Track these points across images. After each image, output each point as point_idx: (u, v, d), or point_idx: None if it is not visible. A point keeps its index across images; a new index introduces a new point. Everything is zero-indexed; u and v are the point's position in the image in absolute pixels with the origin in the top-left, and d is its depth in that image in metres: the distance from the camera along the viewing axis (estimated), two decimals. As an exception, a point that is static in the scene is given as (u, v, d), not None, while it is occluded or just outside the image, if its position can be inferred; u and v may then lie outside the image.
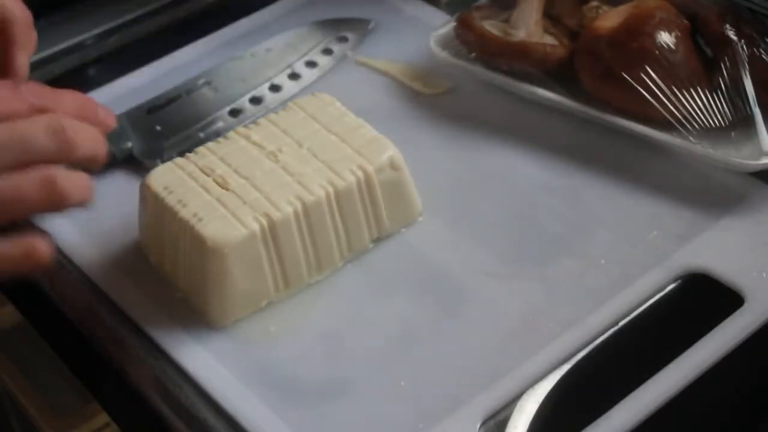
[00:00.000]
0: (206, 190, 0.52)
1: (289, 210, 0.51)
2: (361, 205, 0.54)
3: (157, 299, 0.53)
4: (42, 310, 0.56)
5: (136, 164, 0.62)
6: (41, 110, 0.45)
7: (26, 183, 0.44)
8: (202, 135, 0.64)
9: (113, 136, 0.63)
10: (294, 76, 0.69)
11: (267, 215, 0.51)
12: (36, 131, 0.44)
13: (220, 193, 0.52)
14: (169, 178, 0.53)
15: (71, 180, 0.45)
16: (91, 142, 0.46)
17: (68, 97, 0.47)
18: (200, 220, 0.50)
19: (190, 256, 0.51)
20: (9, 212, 0.44)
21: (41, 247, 0.45)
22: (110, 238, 0.57)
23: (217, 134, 0.61)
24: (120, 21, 0.75)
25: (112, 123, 0.49)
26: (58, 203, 0.45)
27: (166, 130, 0.64)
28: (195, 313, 0.52)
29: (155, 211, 0.53)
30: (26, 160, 0.44)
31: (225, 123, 0.65)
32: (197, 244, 0.50)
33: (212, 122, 0.65)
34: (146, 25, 0.76)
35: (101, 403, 0.51)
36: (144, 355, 0.51)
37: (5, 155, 0.43)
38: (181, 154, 0.55)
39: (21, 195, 0.44)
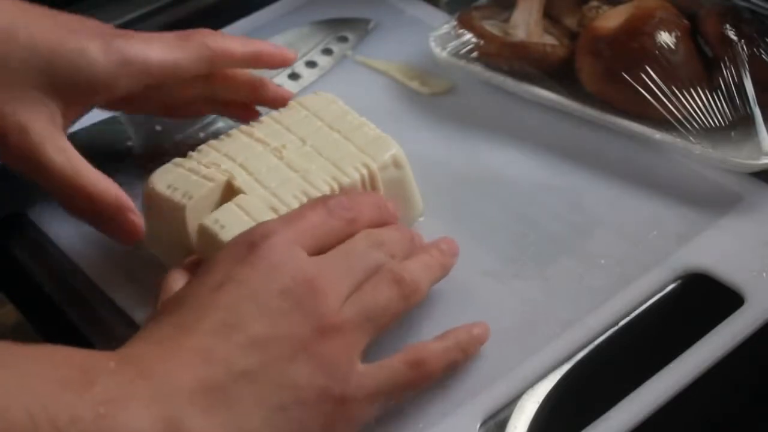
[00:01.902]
0: (210, 180, 0.52)
1: (296, 205, 0.51)
2: (365, 204, 0.54)
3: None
4: (42, 310, 0.56)
5: (136, 164, 0.62)
6: (351, 221, 0.47)
7: (384, 291, 0.46)
8: (202, 135, 0.64)
9: (113, 136, 0.63)
10: (294, 76, 0.69)
11: (274, 209, 0.51)
12: (363, 248, 0.47)
13: (224, 184, 0.52)
14: (171, 176, 0.53)
15: (414, 268, 0.48)
16: (400, 242, 0.49)
17: (366, 201, 0.50)
18: (219, 225, 0.50)
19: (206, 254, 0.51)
20: (381, 323, 0.45)
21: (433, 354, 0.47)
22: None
23: (217, 134, 0.61)
24: (120, 21, 0.75)
25: (397, 216, 0.51)
26: (411, 296, 0.47)
27: (166, 130, 0.64)
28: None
29: (162, 212, 0.53)
30: (367, 275, 0.46)
31: (225, 123, 0.65)
32: (215, 243, 0.50)
33: (212, 122, 0.65)
34: (146, 25, 0.76)
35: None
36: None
37: (357, 275, 0.45)
38: (182, 154, 0.55)
39: (385, 303, 0.45)
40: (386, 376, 0.44)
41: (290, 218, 0.47)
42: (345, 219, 0.47)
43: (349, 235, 0.47)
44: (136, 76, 0.52)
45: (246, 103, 0.61)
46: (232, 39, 0.56)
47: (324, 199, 0.48)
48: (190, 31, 0.55)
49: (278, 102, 0.59)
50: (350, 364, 0.43)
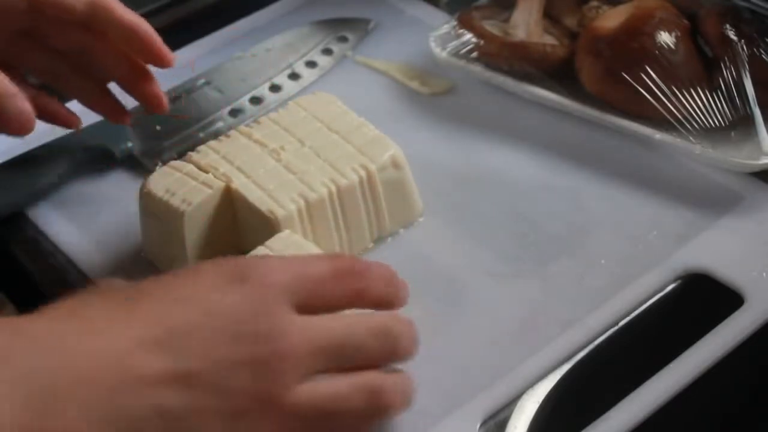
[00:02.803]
0: (209, 186, 0.52)
1: (293, 208, 0.51)
2: (363, 204, 0.54)
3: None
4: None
5: (136, 164, 0.62)
6: (356, 292, 0.43)
7: (354, 394, 0.41)
8: (202, 135, 0.64)
9: (113, 136, 0.63)
10: (294, 76, 0.69)
11: (271, 212, 0.51)
12: (361, 334, 0.41)
13: (222, 189, 0.52)
14: (169, 180, 0.53)
15: (395, 388, 0.42)
16: (409, 341, 0.44)
17: (378, 274, 0.44)
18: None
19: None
20: (332, 422, 0.40)
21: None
22: (110, 238, 0.57)
23: (217, 134, 0.61)
24: (120, 21, 0.75)
25: (406, 299, 0.46)
26: (381, 414, 0.42)
27: (166, 130, 0.64)
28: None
29: (159, 216, 0.53)
30: (350, 363, 0.41)
31: (225, 123, 0.65)
32: None
33: (212, 122, 0.65)
34: (146, 25, 0.76)
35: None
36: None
37: (337, 359, 0.41)
38: (181, 154, 0.55)
39: (348, 405, 0.41)
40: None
41: (293, 263, 0.42)
42: (351, 288, 0.43)
43: (348, 306, 0.43)
44: None
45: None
46: (123, 6, 0.54)
47: (334, 259, 0.44)
48: None
49: (159, 61, 0.56)
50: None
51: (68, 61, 0.58)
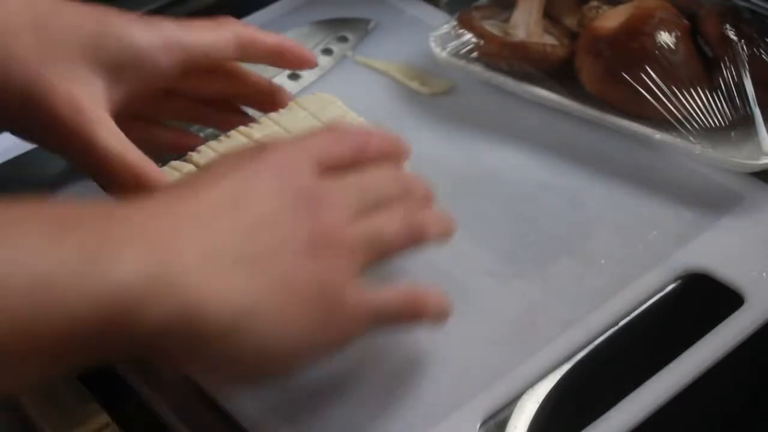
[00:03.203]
0: None
1: None
2: (362, 205, 0.54)
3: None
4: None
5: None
6: (360, 149, 0.45)
7: (393, 226, 0.44)
8: (202, 135, 0.64)
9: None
10: (294, 76, 0.69)
11: None
12: (381, 178, 0.45)
13: None
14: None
15: (429, 215, 0.46)
16: (419, 188, 0.47)
17: (377, 132, 0.48)
18: None
19: None
20: (383, 252, 0.44)
21: (432, 299, 0.45)
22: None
23: (217, 134, 0.61)
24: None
25: (410, 151, 0.49)
26: (418, 240, 0.45)
27: (166, 130, 0.64)
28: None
29: None
30: (377, 205, 0.44)
31: (225, 123, 0.65)
32: None
33: (212, 122, 0.65)
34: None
35: (101, 403, 0.51)
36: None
37: (367, 203, 0.43)
38: (181, 154, 0.55)
39: (391, 237, 0.44)
40: (385, 296, 0.44)
41: (298, 139, 0.45)
42: (354, 145, 0.45)
43: (357, 164, 0.45)
44: (176, 55, 0.52)
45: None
46: (259, 30, 0.56)
47: (330, 127, 0.47)
48: (219, 18, 0.55)
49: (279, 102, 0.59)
50: (349, 273, 0.42)
51: (208, 103, 0.59)
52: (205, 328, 0.37)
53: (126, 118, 0.52)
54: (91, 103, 0.49)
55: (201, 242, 0.38)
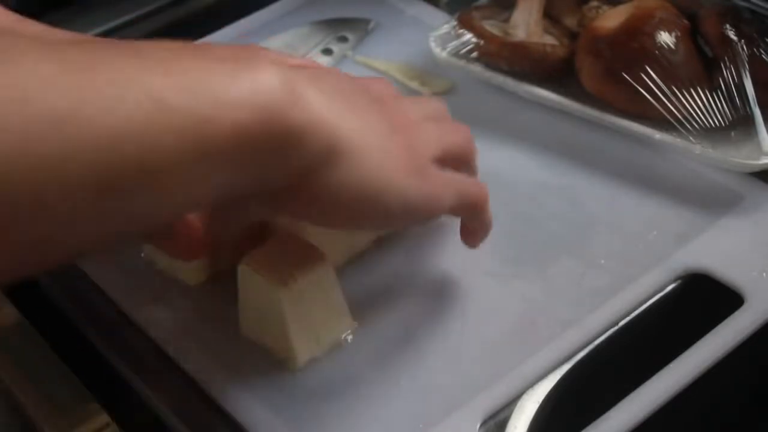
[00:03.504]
0: None
1: None
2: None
3: (159, 299, 0.53)
4: (42, 310, 0.56)
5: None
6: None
7: (459, 133, 0.51)
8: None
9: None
10: (294, 76, 0.69)
11: None
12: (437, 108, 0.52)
13: None
14: None
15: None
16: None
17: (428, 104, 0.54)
18: None
19: None
20: (451, 151, 0.49)
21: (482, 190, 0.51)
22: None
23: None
24: (120, 21, 0.75)
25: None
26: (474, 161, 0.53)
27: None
28: (198, 310, 0.52)
29: None
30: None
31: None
32: None
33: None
34: (146, 25, 0.76)
35: (101, 403, 0.51)
36: (147, 355, 0.51)
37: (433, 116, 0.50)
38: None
39: (459, 140, 0.51)
40: (463, 178, 0.49)
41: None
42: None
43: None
44: None
45: None
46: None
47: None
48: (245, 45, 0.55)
49: None
50: (429, 155, 0.46)
51: None
52: (335, 143, 0.40)
53: None
54: None
55: (308, 78, 0.40)
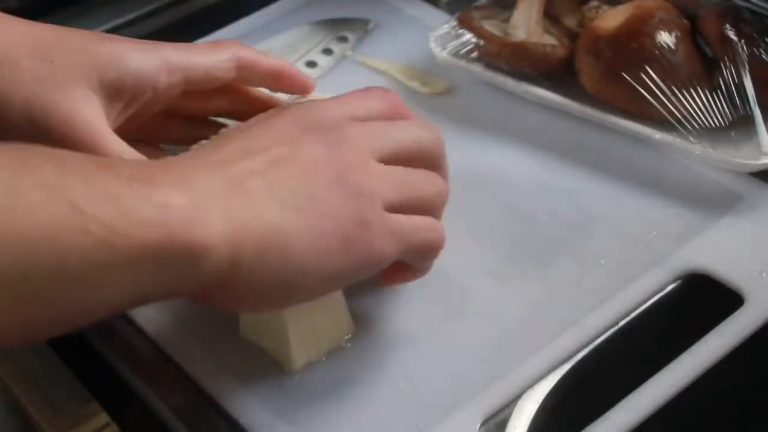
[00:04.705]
0: None
1: None
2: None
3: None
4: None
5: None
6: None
7: (420, 176, 0.48)
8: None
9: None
10: (294, 77, 0.69)
11: None
12: (414, 127, 0.50)
13: None
14: None
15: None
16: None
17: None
18: None
19: None
20: (408, 195, 0.47)
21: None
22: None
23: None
24: (120, 21, 0.75)
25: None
26: (441, 203, 0.50)
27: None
28: (197, 310, 0.52)
29: None
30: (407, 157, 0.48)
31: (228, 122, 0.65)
32: None
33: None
34: (146, 25, 0.76)
35: (101, 403, 0.51)
36: (146, 355, 0.51)
37: (398, 148, 0.48)
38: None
39: (419, 185, 0.48)
40: (411, 222, 0.46)
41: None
42: (387, 103, 0.50)
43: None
44: (176, 78, 0.52)
45: None
46: (258, 53, 0.56)
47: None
48: (220, 41, 0.56)
49: None
50: (373, 200, 0.44)
51: (206, 124, 0.59)
52: (244, 245, 0.40)
53: (125, 141, 0.52)
54: (93, 118, 0.50)
55: (225, 177, 0.42)
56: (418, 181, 0.48)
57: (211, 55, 0.54)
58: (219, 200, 0.41)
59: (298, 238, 0.42)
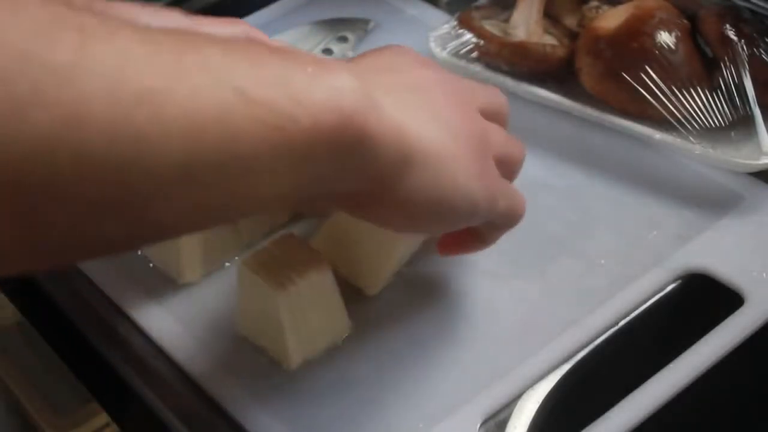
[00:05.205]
0: None
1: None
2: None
3: (158, 299, 0.54)
4: (42, 310, 0.56)
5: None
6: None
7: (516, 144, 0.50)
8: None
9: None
10: (294, 77, 0.69)
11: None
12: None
13: None
14: None
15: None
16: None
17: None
18: None
19: None
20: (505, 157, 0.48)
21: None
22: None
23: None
24: (120, 21, 0.75)
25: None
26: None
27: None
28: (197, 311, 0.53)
29: None
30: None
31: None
32: None
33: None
34: (146, 25, 0.76)
35: (101, 403, 0.51)
36: (146, 355, 0.51)
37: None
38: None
39: (516, 151, 0.50)
40: (510, 187, 0.48)
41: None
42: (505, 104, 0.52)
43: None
44: None
45: None
46: (265, 35, 0.56)
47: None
48: (229, 18, 0.55)
49: None
50: (490, 149, 0.46)
51: None
52: (408, 152, 0.40)
53: None
54: None
55: (393, 94, 0.41)
56: (512, 145, 0.49)
57: (221, 28, 0.53)
58: (390, 97, 0.40)
59: (455, 159, 0.42)
